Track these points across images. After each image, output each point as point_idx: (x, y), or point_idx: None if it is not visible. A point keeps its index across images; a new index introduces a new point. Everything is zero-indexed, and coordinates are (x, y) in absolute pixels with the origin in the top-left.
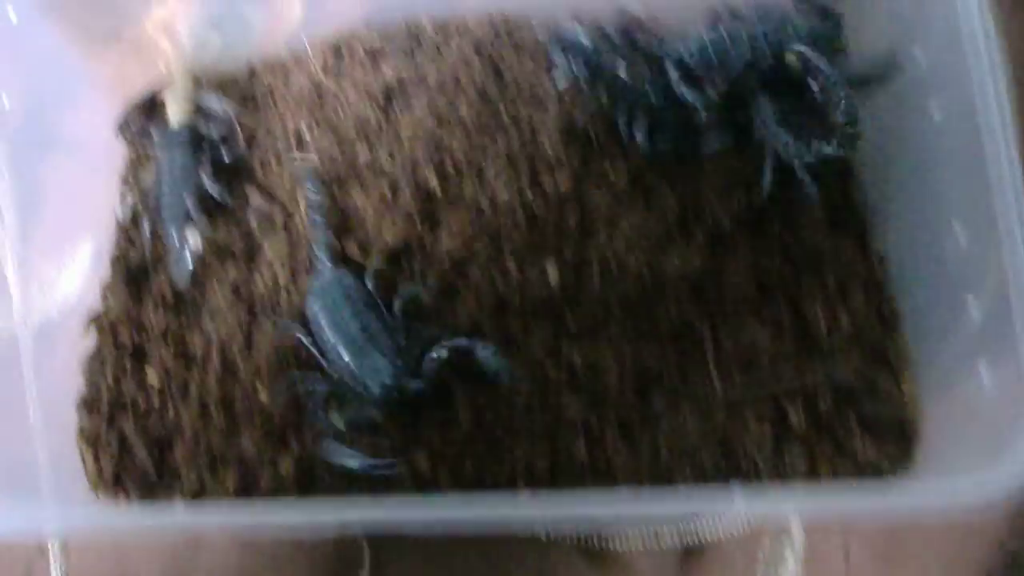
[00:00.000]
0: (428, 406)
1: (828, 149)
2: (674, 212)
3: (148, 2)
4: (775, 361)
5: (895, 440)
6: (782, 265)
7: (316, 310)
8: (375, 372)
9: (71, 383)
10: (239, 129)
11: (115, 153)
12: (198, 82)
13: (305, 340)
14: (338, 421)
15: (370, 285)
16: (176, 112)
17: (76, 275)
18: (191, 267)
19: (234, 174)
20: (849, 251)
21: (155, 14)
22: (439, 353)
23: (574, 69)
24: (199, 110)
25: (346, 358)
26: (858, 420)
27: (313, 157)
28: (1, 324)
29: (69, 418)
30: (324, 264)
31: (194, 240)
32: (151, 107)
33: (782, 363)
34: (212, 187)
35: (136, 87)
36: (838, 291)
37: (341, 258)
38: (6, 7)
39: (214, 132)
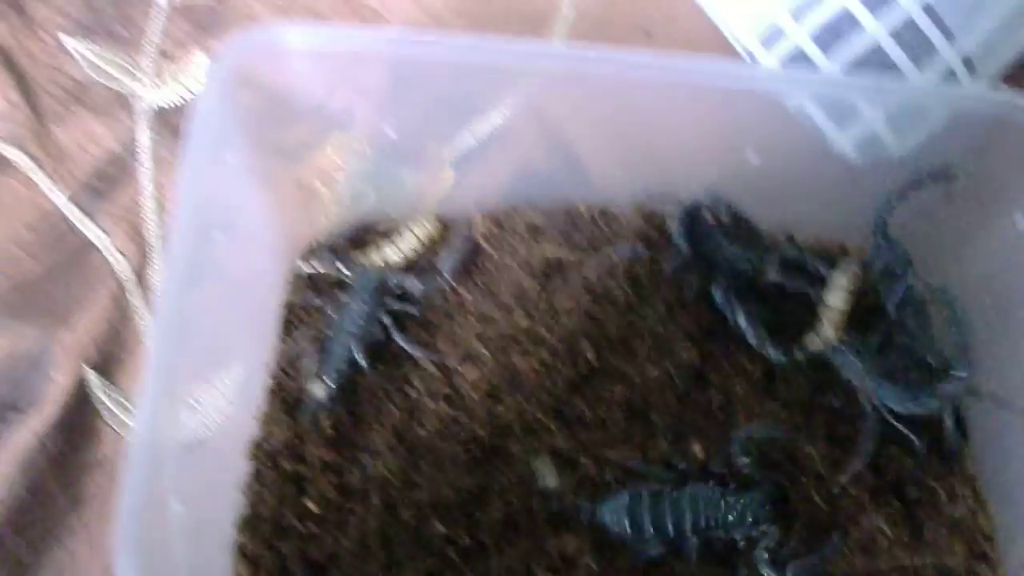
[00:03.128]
0: None
1: (933, 404)
2: (801, 408)
3: (311, 147)
4: (892, 547)
5: None
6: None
7: None
8: None
9: (220, 500)
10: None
11: (269, 285)
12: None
13: None
14: None
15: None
16: (383, 256)
17: (225, 398)
18: (317, 409)
19: (406, 327)
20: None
21: (315, 161)
22: None
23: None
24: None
25: None
26: None
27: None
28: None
29: (215, 534)
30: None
31: (326, 391)
32: (347, 246)
33: (897, 549)
34: (401, 339)
35: (295, 227)
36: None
37: None
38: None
39: (407, 283)
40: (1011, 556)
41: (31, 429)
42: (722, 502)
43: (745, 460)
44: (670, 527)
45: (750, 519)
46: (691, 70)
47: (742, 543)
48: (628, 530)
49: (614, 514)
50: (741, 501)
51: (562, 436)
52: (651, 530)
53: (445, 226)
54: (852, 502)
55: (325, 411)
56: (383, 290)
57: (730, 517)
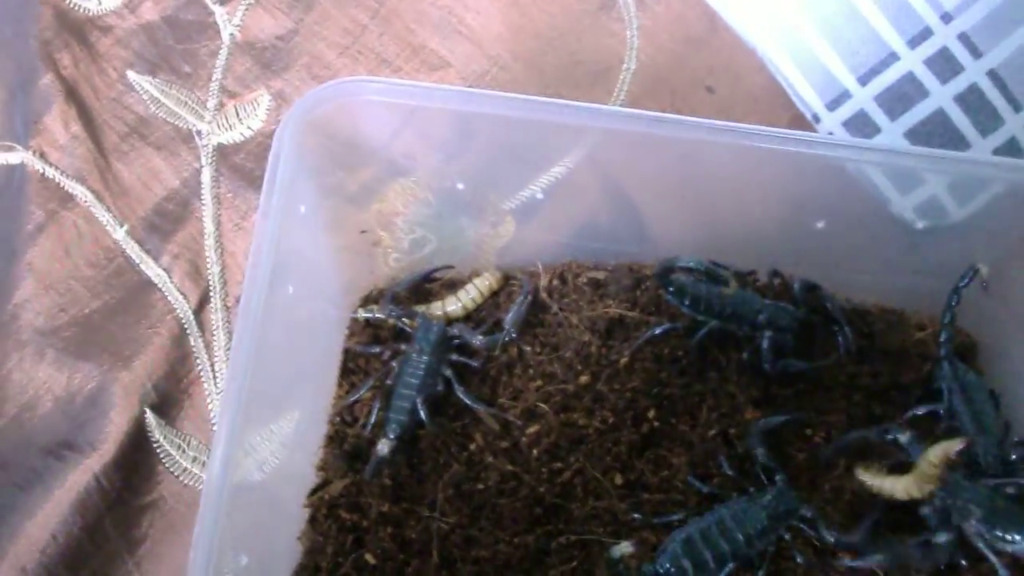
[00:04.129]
0: None
1: None
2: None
3: (374, 194)
4: None
5: None
6: None
7: None
8: None
9: (276, 549)
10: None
11: (329, 331)
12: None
13: None
14: None
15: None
16: (461, 308)
17: (280, 441)
18: (381, 464)
19: (467, 381)
20: None
21: (377, 207)
22: None
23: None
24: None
25: None
26: None
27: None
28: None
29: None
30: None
31: (390, 447)
32: (408, 295)
33: None
34: (463, 393)
35: (356, 273)
36: None
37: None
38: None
39: (469, 337)
40: None
41: (88, 468)
42: (756, 506)
43: (762, 450)
44: (728, 552)
45: (783, 508)
46: (752, 136)
47: (788, 535)
48: (692, 571)
49: (675, 560)
50: (769, 497)
51: (622, 500)
52: (712, 563)
53: (506, 278)
54: None
55: (386, 463)
56: (445, 343)
57: (768, 516)
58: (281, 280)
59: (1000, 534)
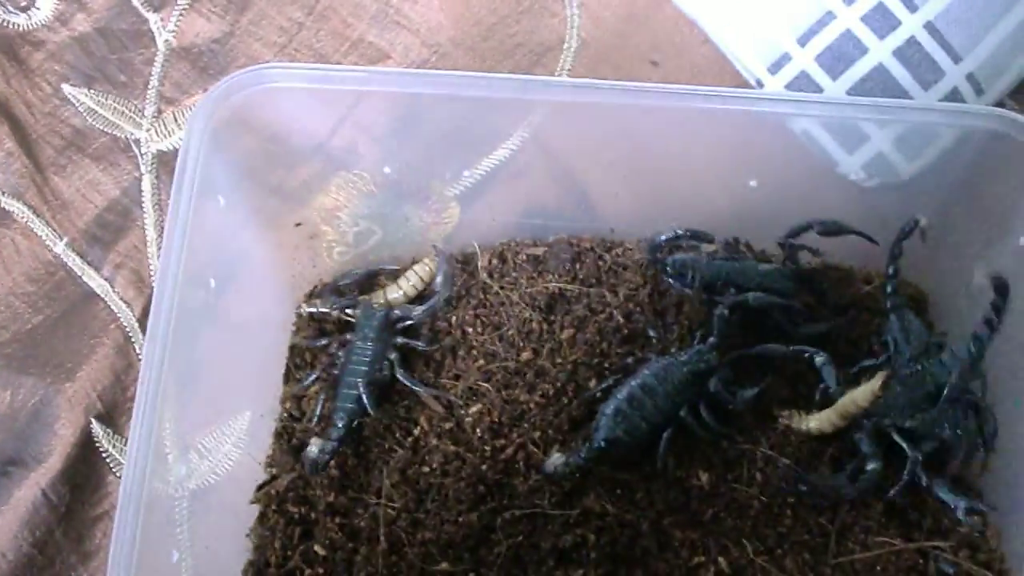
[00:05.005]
0: None
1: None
2: None
3: (314, 188)
4: None
5: None
6: None
7: None
8: None
9: (228, 547)
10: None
11: (274, 328)
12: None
13: None
14: None
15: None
16: (402, 295)
17: (232, 442)
18: (320, 463)
19: (410, 365)
20: None
21: (320, 201)
22: None
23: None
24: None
25: None
26: None
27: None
28: (159, 487)
29: None
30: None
31: (320, 448)
32: (351, 288)
33: None
34: (404, 377)
35: (299, 269)
36: None
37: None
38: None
39: (409, 312)
40: None
41: (35, 483)
42: (677, 363)
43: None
44: (657, 414)
45: (704, 365)
46: (696, 97)
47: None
48: (626, 440)
49: (610, 432)
50: (691, 352)
51: None
52: (644, 426)
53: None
54: None
55: (321, 463)
56: (389, 327)
57: (690, 372)
58: (201, 278)
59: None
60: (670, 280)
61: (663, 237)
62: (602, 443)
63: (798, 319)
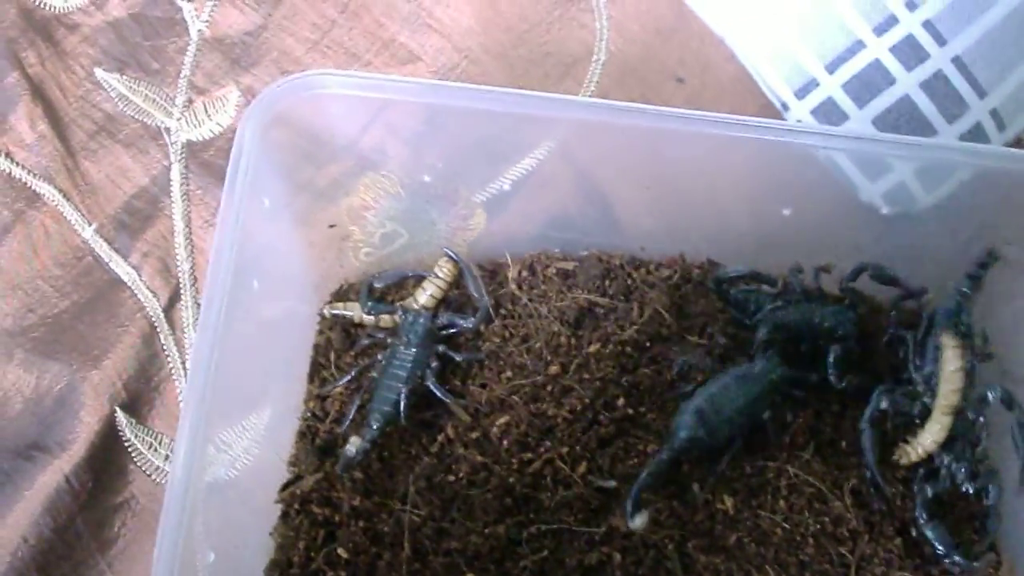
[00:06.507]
0: None
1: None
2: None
3: (344, 188)
4: None
5: None
6: None
7: None
8: None
9: (249, 545)
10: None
11: (299, 327)
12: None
13: None
14: None
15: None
16: (429, 297)
17: (251, 438)
18: (354, 462)
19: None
20: None
21: (347, 201)
22: None
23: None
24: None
25: None
26: None
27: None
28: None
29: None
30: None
31: (356, 447)
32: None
33: None
34: (434, 385)
35: (326, 268)
36: None
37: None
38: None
39: (463, 321)
40: None
41: (58, 469)
42: (751, 372)
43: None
44: (735, 417)
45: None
46: (721, 124)
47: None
48: (708, 440)
49: (692, 431)
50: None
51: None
52: (724, 429)
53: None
54: None
55: (361, 456)
56: (432, 334)
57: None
58: (246, 275)
59: None
60: (732, 310)
61: (731, 273)
62: (683, 440)
63: (850, 362)
